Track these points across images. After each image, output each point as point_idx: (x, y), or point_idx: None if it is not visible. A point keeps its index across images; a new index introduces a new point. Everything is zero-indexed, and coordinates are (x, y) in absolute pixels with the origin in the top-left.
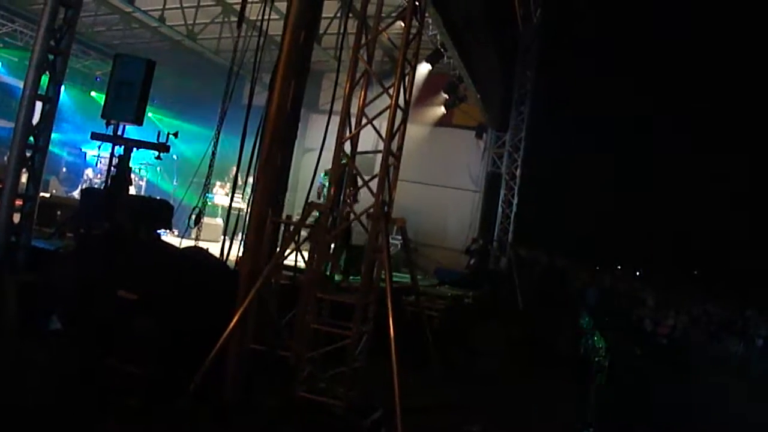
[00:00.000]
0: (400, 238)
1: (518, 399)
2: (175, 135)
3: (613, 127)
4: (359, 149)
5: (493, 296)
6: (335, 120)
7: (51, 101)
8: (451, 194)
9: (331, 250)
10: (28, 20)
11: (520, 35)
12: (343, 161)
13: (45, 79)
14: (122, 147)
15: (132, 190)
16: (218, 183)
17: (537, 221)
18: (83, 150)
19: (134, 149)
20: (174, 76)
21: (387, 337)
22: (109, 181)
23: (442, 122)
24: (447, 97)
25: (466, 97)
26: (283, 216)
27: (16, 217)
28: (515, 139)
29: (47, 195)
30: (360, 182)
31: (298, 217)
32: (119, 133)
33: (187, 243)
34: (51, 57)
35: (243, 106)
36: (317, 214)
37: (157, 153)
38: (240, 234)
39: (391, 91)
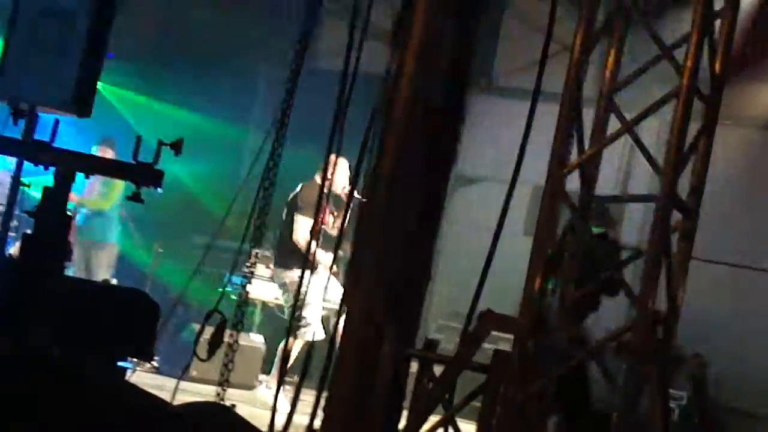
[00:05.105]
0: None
1: None
2: (176, 147)
3: None
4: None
5: None
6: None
7: None
8: None
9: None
10: None
11: None
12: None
13: None
14: (51, 168)
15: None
16: (257, 251)
17: None
18: None
19: (78, 174)
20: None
21: None
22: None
23: None
24: None
25: None
26: (419, 341)
27: None
28: None
29: None
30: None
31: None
32: (37, 134)
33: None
34: None
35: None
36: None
37: (133, 189)
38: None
39: (677, 54)
